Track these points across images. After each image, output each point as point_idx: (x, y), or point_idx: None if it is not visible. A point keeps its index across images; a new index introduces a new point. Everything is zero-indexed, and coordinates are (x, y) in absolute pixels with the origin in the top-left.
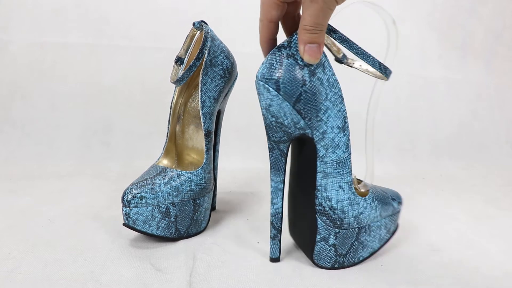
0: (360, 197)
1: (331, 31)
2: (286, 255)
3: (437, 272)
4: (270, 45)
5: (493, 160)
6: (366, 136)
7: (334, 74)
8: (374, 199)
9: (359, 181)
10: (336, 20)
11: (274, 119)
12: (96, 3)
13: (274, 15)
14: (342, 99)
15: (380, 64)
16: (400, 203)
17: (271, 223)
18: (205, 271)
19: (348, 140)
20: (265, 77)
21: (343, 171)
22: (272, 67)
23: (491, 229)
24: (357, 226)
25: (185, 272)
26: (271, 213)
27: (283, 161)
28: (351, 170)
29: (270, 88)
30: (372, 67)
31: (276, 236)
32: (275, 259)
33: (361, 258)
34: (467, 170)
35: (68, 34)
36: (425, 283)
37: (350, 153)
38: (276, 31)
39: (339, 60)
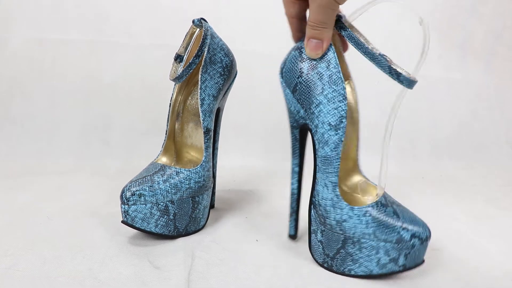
0: (345, 203)
1: (341, 27)
2: (286, 253)
3: (437, 272)
4: (298, 38)
5: (493, 160)
6: (383, 145)
7: (339, 72)
8: (368, 214)
9: (370, 184)
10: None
11: (286, 104)
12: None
13: (292, 11)
14: (344, 98)
15: (390, 67)
16: (416, 237)
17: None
18: (204, 269)
19: (340, 140)
20: (280, 66)
21: (328, 169)
22: (285, 58)
23: (491, 229)
24: (341, 232)
25: (183, 270)
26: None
27: (297, 145)
28: (337, 171)
29: (280, 76)
30: (382, 70)
31: (291, 214)
32: (291, 236)
33: (352, 272)
34: (467, 170)
35: (68, 31)
36: (425, 283)
37: (338, 154)
38: (300, 25)
39: None
